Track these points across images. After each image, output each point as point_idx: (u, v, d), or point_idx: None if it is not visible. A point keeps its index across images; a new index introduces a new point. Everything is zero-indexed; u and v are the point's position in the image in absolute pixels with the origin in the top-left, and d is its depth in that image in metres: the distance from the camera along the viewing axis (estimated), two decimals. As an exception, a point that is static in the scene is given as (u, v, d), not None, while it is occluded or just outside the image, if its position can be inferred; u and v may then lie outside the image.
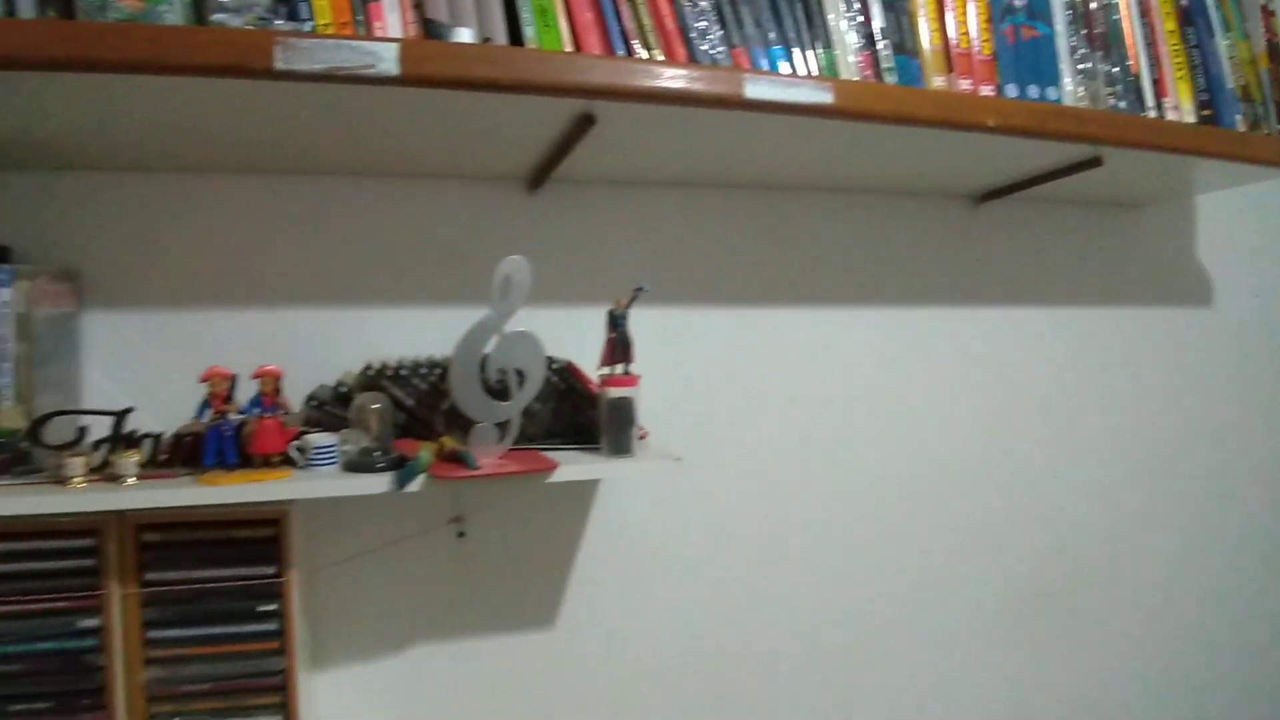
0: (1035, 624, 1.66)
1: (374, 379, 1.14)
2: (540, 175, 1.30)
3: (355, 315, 1.29)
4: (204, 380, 1.00)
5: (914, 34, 1.25)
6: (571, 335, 1.30)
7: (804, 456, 1.50)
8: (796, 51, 1.20)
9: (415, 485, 1.02)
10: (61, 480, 0.97)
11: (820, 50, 1.22)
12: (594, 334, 1.21)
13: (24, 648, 1.05)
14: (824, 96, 1.13)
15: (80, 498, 0.95)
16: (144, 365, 1.22)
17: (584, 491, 1.38)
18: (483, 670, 1.35)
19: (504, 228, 1.34)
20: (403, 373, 1.15)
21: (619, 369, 1.13)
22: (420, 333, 1.31)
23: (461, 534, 1.33)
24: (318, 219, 1.28)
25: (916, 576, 1.58)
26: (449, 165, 1.28)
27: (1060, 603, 1.68)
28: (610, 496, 1.40)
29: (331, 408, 1.15)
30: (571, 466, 1.09)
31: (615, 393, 1.12)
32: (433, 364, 1.17)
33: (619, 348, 1.13)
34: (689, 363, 1.43)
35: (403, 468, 1.02)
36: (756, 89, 1.11)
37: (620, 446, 1.12)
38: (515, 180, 1.35)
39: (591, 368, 1.21)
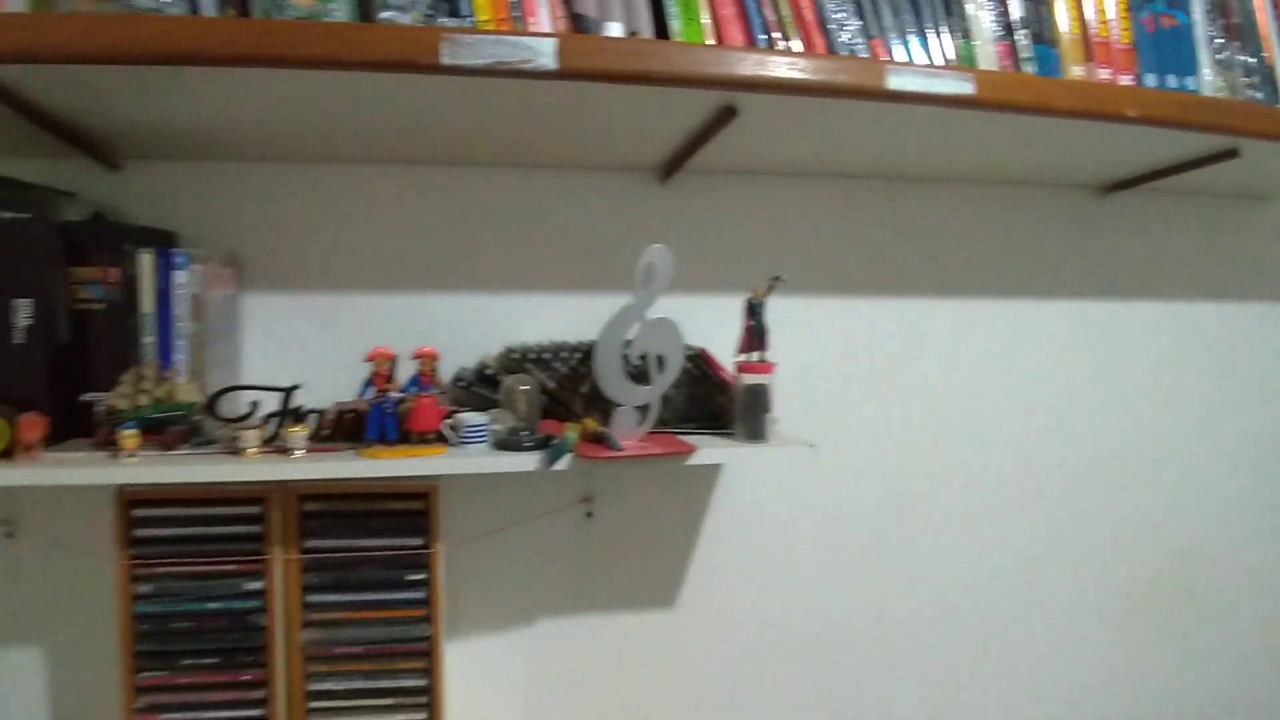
0: (1158, 622, 1.64)
1: (518, 361, 1.18)
2: (672, 166, 1.33)
3: (492, 301, 1.34)
4: (369, 360, 1.05)
5: (1052, 23, 1.24)
6: (700, 323, 1.32)
7: (926, 448, 1.51)
8: (934, 42, 1.20)
9: (562, 464, 1.06)
10: (237, 451, 1.04)
11: (959, 40, 1.22)
12: (722, 322, 1.24)
13: (195, 606, 1.12)
14: (965, 87, 1.13)
15: (255, 467, 1.02)
16: (296, 345, 1.29)
17: (708, 476, 1.41)
18: (604, 646, 1.39)
19: (635, 217, 1.38)
20: (545, 356, 1.19)
21: (755, 356, 1.15)
22: (552, 318, 1.35)
23: (589, 514, 1.37)
24: (460, 208, 1.33)
25: (1035, 572, 1.57)
26: (584, 156, 1.31)
27: (1184, 602, 1.65)
28: (732, 481, 1.42)
29: (478, 388, 1.20)
30: (709, 450, 1.11)
31: (752, 379, 1.15)
32: (572, 348, 1.21)
33: (756, 335, 1.15)
34: (814, 352, 1.45)
35: (550, 447, 1.06)
36: (899, 80, 1.11)
37: (755, 432, 1.15)
38: (646, 171, 1.38)
39: (718, 355, 1.24)
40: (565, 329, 1.33)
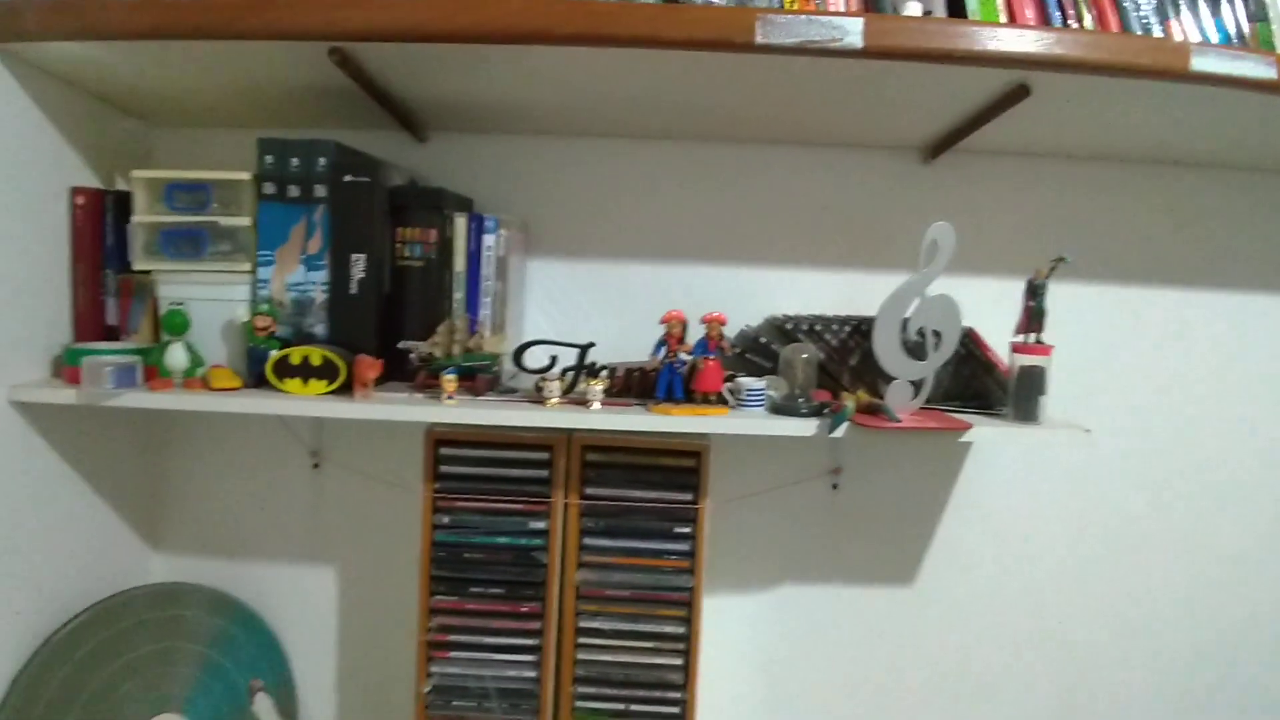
0: None
1: (789, 331, 1.23)
2: (941, 145, 1.34)
3: (754, 273, 1.39)
4: (664, 322, 1.12)
5: (1363, 4, 1.17)
6: (961, 303, 1.32)
7: (1190, 443, 1.45)
8: (1229, 22, 1.16)
9: (840, 432, 1.09)
10: (539, 400, 1.13)
11: (1256, 24, 1.17)
12: (984, 304, 1.24)
13: (486, 539, 1.23)
14: (1268, 71, 1.09)
15: (559, 415, 1.11)
16: (573, 309, 1.38)
17: (956, 457, 1.42)
18: (843, 617, 1.43)
19: (897, 196, 1.39)
20: (816, 328, 1.23)
21: (1032, 338, 1.15)
22: (809, 292, 1.38)
23: (835, 486, 1.40)
24: (728, 182, 1.39)
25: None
26: (852, 134, 1.34)
27: None
28: (979, 464, 1.42)
29: (751, 355, 1.25)
30: (982, 429, 1.12)
31: (1028, 360, 1.14)
32: (841, 321, 1.24)
33: (1034, 317, 1.15)
34: (1078, 337, 1.42)
35: (832, 414, 1.09)
36: (1204, 62, 1.08)
37: (1028, 413, 1.15)
38: (912, 149, 1.40)
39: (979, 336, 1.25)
40: (821, 303, 1.36)
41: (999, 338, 1.20)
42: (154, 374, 1.16)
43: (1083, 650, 1.46)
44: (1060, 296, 1.40)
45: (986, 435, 1.13)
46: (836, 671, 1.44)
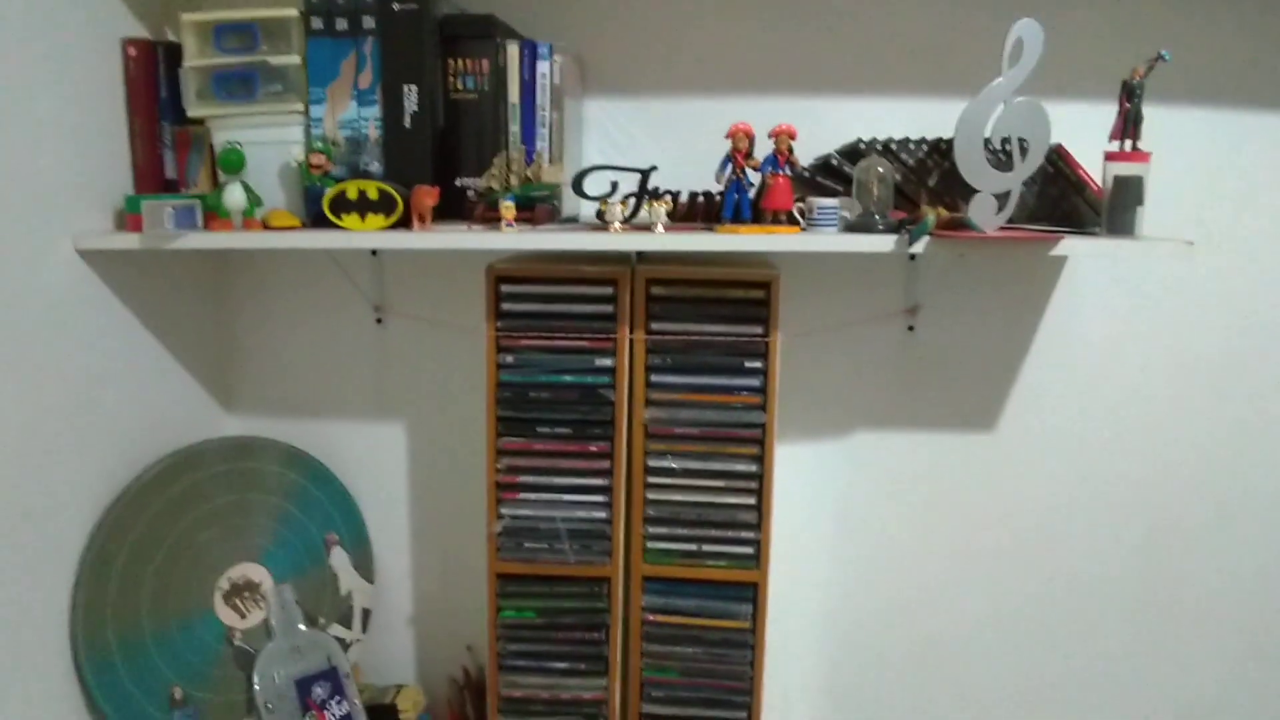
0: None
1: (864, 153, 1.16)
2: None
3: (822, 104, 1.31)
4: (729, 136, 1.07)
5: None
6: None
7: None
8: None
9: (920, 247, 1.03)
10: (603, 225, 1.09)
11: None
12: (1073, 125, 1.15)
13: (553, 378, 1.21)
14: None
15: (622, 238, 1.07)
16: (629, 147, 1.33)
17: (1041, 287, 1.34)
18: (918, 464, 1.39)
19: (971, 15, 1.29)
20: (892, 147, 1.16)
21: (1129, 144, 1.07)
22: (882, 121, 1.30)
23: (911, 328, 1.35)
24: (794, 6, 1.30)
25: None
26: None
27: None
28: (1065, 297, 1.34)
29: (822, 178, 1.19)
30: (1073, 241, 1.05)
31: (1124, 169, 1.07)
32: (918, 141, 1.17)
33: (1131, 121, 1.07)
34: (1171, 161, 1.31)
35: (909, 228, 1.03)
36: None
37: (1124, 225, 1.07)
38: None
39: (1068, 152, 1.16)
40: (894, 132, 1.28)
41: (1090, 157, 1.11)
42: (214, 219, 1.15)
43: (1176, 501, 1.39)
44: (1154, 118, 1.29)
45: (1079, 248, 1.06)
46: (910, 520, 1.41)
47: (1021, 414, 1.37)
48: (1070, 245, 1.04)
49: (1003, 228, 1.08)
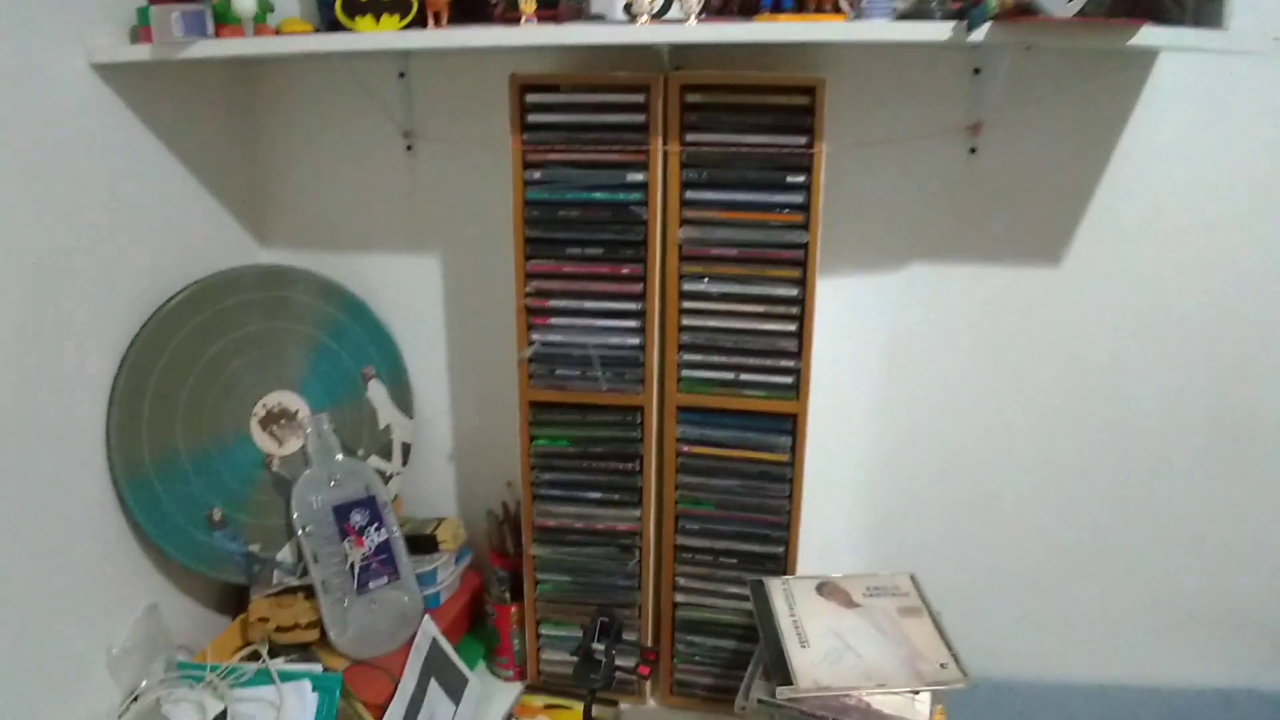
0: None
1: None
2: None
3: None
4: (769, -90, 0.96)
5: None
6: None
7: None
8: None
9: (981, 34, 0.93)
10: (631, 19, 1.00)
11: None
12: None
13: (582, 195, 1.14)
14: None
15: (648, 30, 0.98)
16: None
17: (1120, 103, 1.21)
18: (976, 296, 1.30)
19: None
20: (954, -72, 1.03)
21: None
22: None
23: (973, 149, 1.24)
24: None
25: None
26: None
27: None
28: (1143, 113, 1.21)
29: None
30: (1154, 30, 0.93)
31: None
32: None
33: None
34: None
35: (969, 13, 0.92)
36: None
37: (1211, 15, 0.94)
38: None
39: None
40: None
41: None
42: (224, 28, 1.10)
43: (1255, 339, 1.28)
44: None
45: (1161, 37, 0.94)
46: (966, 357, 1.32)
47: (1092, 245, 1.27)
48: (1150, 34, 0.92)
49: (1076, 16, 0.95)
